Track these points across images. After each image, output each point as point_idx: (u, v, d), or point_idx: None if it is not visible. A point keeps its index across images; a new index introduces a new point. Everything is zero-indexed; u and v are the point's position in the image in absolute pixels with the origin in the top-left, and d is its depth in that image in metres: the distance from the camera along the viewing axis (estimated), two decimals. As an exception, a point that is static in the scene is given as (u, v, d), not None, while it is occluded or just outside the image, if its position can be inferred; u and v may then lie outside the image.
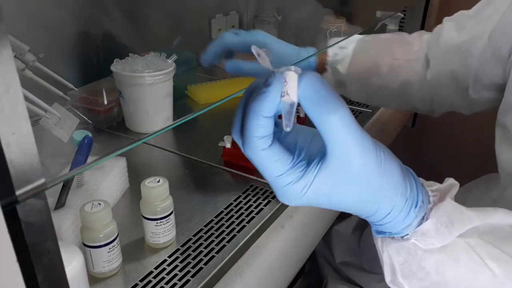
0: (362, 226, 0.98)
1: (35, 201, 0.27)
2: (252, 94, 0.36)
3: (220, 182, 0.72)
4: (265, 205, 0.66)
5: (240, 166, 0.75)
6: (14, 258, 0.27)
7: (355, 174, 0.35)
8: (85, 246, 0.50)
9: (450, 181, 0.43)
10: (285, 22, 1.38)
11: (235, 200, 0.67)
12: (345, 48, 0.77)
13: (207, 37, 1.31)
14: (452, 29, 0.71)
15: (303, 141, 0.38)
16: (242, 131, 0.37)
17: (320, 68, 0.76)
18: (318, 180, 0.36)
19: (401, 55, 0.75)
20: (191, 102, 1.02)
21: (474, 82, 0.68)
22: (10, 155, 0.25)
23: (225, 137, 0.76)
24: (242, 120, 0.37)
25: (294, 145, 0.38)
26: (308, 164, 0.36)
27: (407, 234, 0.40)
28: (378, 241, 0.42)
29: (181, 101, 1.02)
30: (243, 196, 0.68)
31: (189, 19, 1.23)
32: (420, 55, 0.75)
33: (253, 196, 0.68)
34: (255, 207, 0.65)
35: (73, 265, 0.43)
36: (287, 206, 0.68)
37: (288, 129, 0.35)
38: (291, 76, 0.34)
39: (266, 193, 0.69)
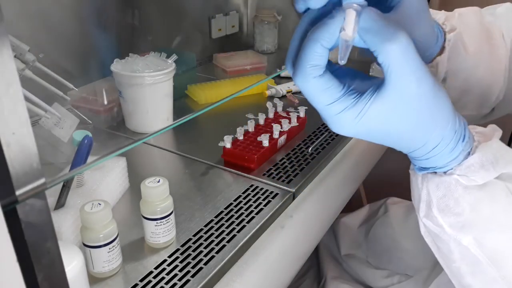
0: (370, 220, 0.98)
1: (35, 201, 0.27)
2: (312, 23, 0.38)
3: (220, 182, 0.72)
4: (265, 205, 0.66)
5: (240, 166, 0.75)
6: (14, 258, 0.27)
7: (412, 102, 0.37)
8: (85, 246, 0.50)
9: (493, 126, 0.44)
10: (285, 22, 1.38)
11: (235, 200, 0.67)
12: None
13: (207, 37, 1.31)
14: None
15: (354, 78, 0.39)
16: (296, 60, 0.38)
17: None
18: (373, 107, 0.37)
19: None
20: (191, 102, 1.02)
21: None
22: (10, 155, 0.25)
23: (225, 137, 0.76)
24: (297, 49, 0.39)
25: (345, 80, 0.39)
26: (361, 94, 0.37)
27: (451, 169, 0.41)
28: (419, 178, 0.43)
29: (181, 101, 1.02)
30: (243, 196, 0.68)
31: (189, 19, 1.23)
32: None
33: (253, 196, 0.68)
34: (255, 207, 0.65)
35: (73, 265, 0.43)
36: (287, 206, 0.68)
37: (342, 62, 0.37)
38: (350, 14, 0.36)
39: (266, 193, 0.69)
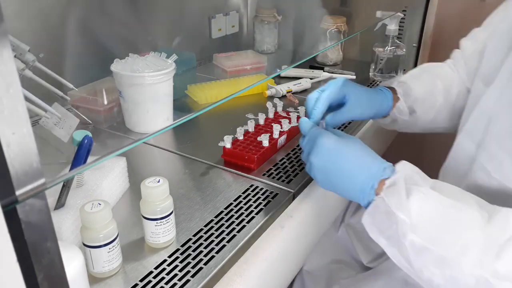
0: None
1: (35, 201, 0.27)
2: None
3: (220, 182, 0.72)
4: (265, 205, 0.66)
5: (240, 166, 0.75)
6: (14, 258, 0.27)
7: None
8: (85, 246, 0.50)
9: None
10: (285, 22, 1.38)
11: (235, 200, 0.67)
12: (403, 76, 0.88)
13: (207, 37, 1.31)
14: (470, 43, 0.82)
15: None
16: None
17: (395, 100, 0.83)
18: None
19: (447, 73, 0.85)
20: (191, 102, 1.02)
21: None
22: (10, 155, 0.25)
23: (225, 137, 0.76)
24: None
25: None
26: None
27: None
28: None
29: (181, 101, 1.02)
30: (243, 196, 0.68)
31: (189, 19, 1.23)
32: (458, 73, 0.84)
33: (253, 196, 0.68)
34: (255, 207, 0.65)
35: (73, 265, 0.43)
36: (287, 206, 0.68)
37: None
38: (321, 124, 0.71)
39: (266, 193, 0.69)
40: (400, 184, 0.53)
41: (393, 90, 0.83)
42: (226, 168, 0.75)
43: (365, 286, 0.77)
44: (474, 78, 0.73)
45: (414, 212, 0.51)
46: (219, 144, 0.76)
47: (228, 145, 0.75)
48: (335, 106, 0.73)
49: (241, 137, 0.79)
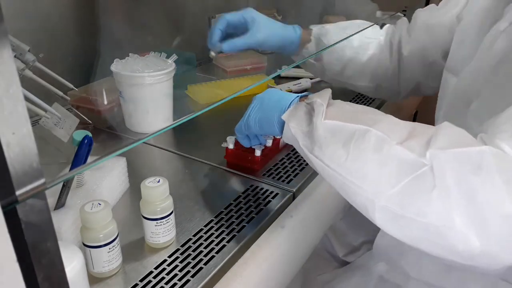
0: None
1: (35, 201, 0.27)
2: None
3: (220, 182, 0.72)
4: (265, 205, 0.66)
5: (244, 167, 0.75)
6: (14, 258, 0.27)
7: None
8: (85, 246, 0.50)
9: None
10: (285, 22, 1.38)
11: (235, 200, 0.67)
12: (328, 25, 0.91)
13: (207, 37, 1.30)
14: (427, 12, 0.84)
15: None
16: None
17: (304, 39, 0.86)
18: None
19: (370, 34, 0.88)
20: (191, 102, 1.02)
21: (442, 58, 0.79)
22: (10, 155, 0.25)
23: (228, 138, 0.75)
24: None
25: None
26: None
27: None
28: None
29: (181, 101, 1.02)
30: (243, 196, 0.68)
31: (189, 19, 1.23)
32: (387, 36, 0.88)
33: (253, 196, 0.68)
34: (255, 207, 0.65)
35: (73, 265, 0.43)
36: (287, 206, 0.68)
37: None
38: None
39: (266, 193, 0.69)
40: (327, 93, 0.56)
41: (309, 30, 0.87)
42: (226, 168, 0.75)
43: (341, 283, 0.78)
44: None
45: (330, 108, 0.53)
46: (222, 145, 0.76)
47: (231, 146, 0.75)
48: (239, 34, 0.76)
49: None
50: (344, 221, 0.93)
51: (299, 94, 0.60)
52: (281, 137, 0.69)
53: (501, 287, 0.61)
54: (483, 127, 0.47)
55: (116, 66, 0.82)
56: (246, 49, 0.79)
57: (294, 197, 0.70)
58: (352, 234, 0.91)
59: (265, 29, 0.78)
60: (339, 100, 0.57)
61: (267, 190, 0.69)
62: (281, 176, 0.73)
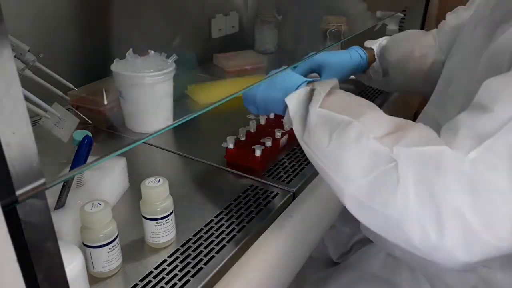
0: None
1: (35, 201, 0.27)
2: None
3: (220, 182, 0.72)
4: (265, 205, 0.65)
5: (243, 166, 0.75)
6: (14, 258, 0.27)
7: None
8: (85, 246, 0.50)
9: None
10: (285, 22, 1.38)
11: (235, 200, 0.67)
12: (384, 39, 0.98)
13: (207, 37, 1.31)
14: (454, 14, 0.88)
15: None
16: None
17: (370, 60, 0.94)
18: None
19: (427, 42, 0.91)
20: (191, 102, 1.02)
21: None
22: (10, 155, 0.25)
23: (228, 138, 0.75)
24: None
25: None
26: None
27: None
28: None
29: (181, 101, 1.02)
30: (243, 196, 0.68)
31: (189, 19, 1.23)
32: (436, 42, 0.92)
33: (253, 196, 0.68)
34: (255, 207, 0.65)
35: (73, 265, 0.43)
36: (287, 206, 0.68)
37: None
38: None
39: (266, 193, 0.69)
40: (332, 83, 0.58)
41: (371, 50, 0.94)
42: (226, 168, 0.75)
43: (334, 281, 0.79)
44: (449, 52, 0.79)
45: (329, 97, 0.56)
46: (222, 145, 0.76)
47: (231, 146, 0.75)
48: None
49: (243, 138, 0.78)
50: (338, 218, 0.93)
51: (308, 79, 0.61)
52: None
53: (481, 272, 0.63)
54: (451, 123, 0.49)
55: (116, 66, 0.82)
56: None
57: (294, 197, 0.69)
58: (346, 233, 0.91)
59: (335, 71, 0.85)
60: (341, 90, 0.58)
61: (267, 190, 0.69)
62: (281, 176, 0.73)
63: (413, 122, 0.51)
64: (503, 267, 0.61)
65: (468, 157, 0.42)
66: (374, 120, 0.50)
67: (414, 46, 0.91)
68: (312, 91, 0.56)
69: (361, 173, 0.46)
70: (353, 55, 0.91)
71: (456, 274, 0.65)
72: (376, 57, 0.94)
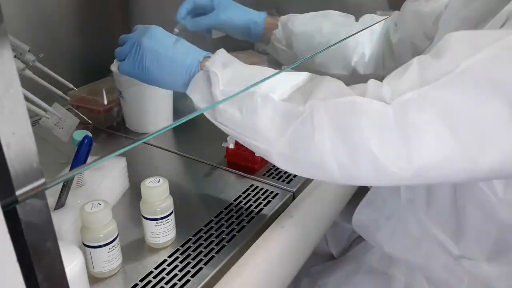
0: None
1: (35, 201, 0.27)
2: None
3: (220, 182, 0.72)
4: (265, 205, 0.65)
5: (243, 166, 0.75)
6: (14, 258, 0.27)
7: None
8: (85, 246, 0.50)
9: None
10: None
11: (235, 200, 0.67)
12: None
13: (207, 37, 1.30)
14: (415, 2, 0.83)
15: None
16: None
17: (271, 25, 0.88)
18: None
19: (341, 21, 0.88)
20: (191, 102, 1.02)
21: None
22: (10, 155, 0.25)
23: (228, 138, 0.75)
24: None
25: None
26: None
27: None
28: None
29: (181, 101, 1.02)
30: (243, 196, 0.68)
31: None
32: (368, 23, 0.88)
33: (253, 196, 0.68)
34: (255, 207, 0.65)
35: (73, 265, 0.43)
36: (287, 206, 0.68)
37: None
38: None
39: (266, 193, 0.69)
40: (221, 57, 0.61)
41: (277, 18, 0.89)
42: (226, 168, 0.75)
43: (333, 272, 0.80)
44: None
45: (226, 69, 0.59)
46: (223, 145, 0.76)
47: (232, 146, 0.75)
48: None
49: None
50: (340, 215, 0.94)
51: (199, 59, 0.61)
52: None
53: (463, 262, 0.64)
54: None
55: (116, 66, 0.82)
56: (210, 28, 0.83)
57: (294, 197, 0.70)
58: (348, 229, 0.92)
59: (229, 9, 0.81)
60: (233, 58, 0.62)
61: (267, 190, 0.69)
62: (281, 176, 0.73)
63: (317, 75, 0.55)
64: (489, 259, 0.61)
65: (389, 100, 0.46)
66: (274, 82, 0.54)
67: (326, 22, 0.87)
68: (208, 73, 0.58)
69: (279, 133, 0.51)
70: (253, 11, 0.87)
71: (445, 267, 0.67)
72: (279, 23, 0.88)
